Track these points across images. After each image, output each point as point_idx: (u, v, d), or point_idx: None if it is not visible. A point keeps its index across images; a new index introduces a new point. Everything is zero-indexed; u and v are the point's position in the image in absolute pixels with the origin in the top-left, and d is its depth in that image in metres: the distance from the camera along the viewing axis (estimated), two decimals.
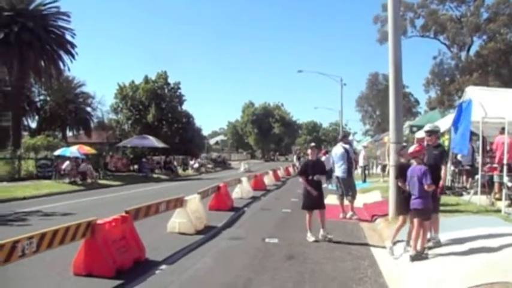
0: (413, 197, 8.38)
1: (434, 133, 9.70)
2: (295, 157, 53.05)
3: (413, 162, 8.67)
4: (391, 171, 13.32)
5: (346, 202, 14.58)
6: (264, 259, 8.87)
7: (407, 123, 31.74)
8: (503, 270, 6.98)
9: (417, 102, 76.00)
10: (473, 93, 15.50)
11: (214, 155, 76.14)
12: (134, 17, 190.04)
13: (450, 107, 50.25)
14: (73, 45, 35.64)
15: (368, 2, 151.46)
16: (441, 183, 9.05)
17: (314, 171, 10.83)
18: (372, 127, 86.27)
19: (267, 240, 10.68)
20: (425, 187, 8.08)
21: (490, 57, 49.66)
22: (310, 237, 10.65)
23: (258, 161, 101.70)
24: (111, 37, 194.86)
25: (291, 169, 43.19)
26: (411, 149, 8.77)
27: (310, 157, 11.34)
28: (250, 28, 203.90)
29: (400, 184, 9.13)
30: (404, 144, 12.78)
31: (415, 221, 8.33)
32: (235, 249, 9.89)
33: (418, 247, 8.22)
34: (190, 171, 47.96)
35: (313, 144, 13.46)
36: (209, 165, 56.81)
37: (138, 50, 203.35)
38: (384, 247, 9.80)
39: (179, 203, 11.36)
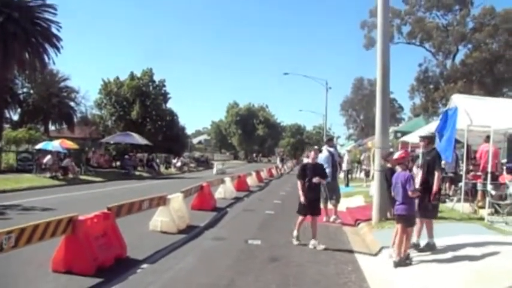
0: (397, 202, 8.36)
1: (427, 138, 9.84)
2: (278, 159, 53.09)
3: (398, 168, 8.66)
4: (376, 176, 13.29)
5: (329, 206, 14.53)
6: (247, 260, 8.77)
7: (391, 129, 31.90)
8: (489, 279, 6.97)
9: (401, 108, 76.48)
10: (459, 101, 15.50)
11: (197, 154, 75.84)
12: (121, 13, 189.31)
13: (434, 114, 50.65)
14: (58, 39, 35.13)
15: (355, 7, 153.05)
16: (434, 188, 9.02)
17: (314, 175, 10.55)
18: (355, 131, 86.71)
19: (249, 241, 10.57)
20: (409, 193, 8.06)
21: (474, 66, 50.10)
22: (295, 241, 10.49)
23: (241, 161, 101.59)
24: (97, 32, 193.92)
25: (274, 171, 43.08)
26: (396, 155, 8.75)
27: (310, 160, 11.06)
28: (237, 28, 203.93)
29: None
30: (391, 150, 12.74)
31: (399, 226, 8.31)
32: (217, 250, 9.77)
33: (401, 253, 8.18)
34: (172, 170, 47.67)
35: (316, 147, 13.49)
36: (192, 165, 56.51)
37: (124, 46, 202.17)
38: (368, 253, 9.79)
39: (162, 201, 11.22)
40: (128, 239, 8.74)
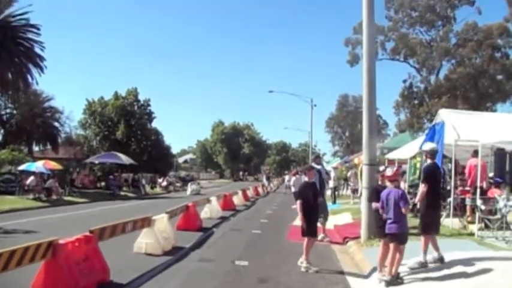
0: (389, 221, 8.16)
1: (428, 152, 9.70)
2: (264, 177, 52.89)
3: (389, 184, 8.47)
4: (364, 193, 13.13)
5: (317, 224, 14.32)
6: (234, 283, 8.55)
7: (377, 145, 31.86)
8: None
9: (386, 124, 76.68)
10: (446, 116, 15.45)
11: (183, 173, 75.49)
12: (105, 31, 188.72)
13: (420, 130, 50.76)
14: (42, 58, 34.87)
15: (339, 24, 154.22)
16: (416, 199, 9.13)
17: (314, 194, 10.23)
18: (340, 148, 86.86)
19: (237, 262, 10.31)
20: (403, 210, 7.91)
21: (458, 81, 50.43)
22: (309, 268, 9.71)
23: (227, 180, 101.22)
24: (81, 51, 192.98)
25: (260, 189, 42.87)
26: (389, 172, 8.57)
27: (307, 179, 10.66)
28: (221, 47, 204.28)
29: (373, 207, 8.93)
30: (383, 167, 12.52)
31: (392, 245, 8.12)
32: (203, 272, 9.49)
33: (393, 272, 8.00)
34: (158, 190, 47.35)
35: (313, 164, 13.40)
36: (178, 184, 56.16)
37: (108, 66, 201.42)
38: (358, 273, 9.59)
39: (146, 222, 10.93)
40: (111, 262, 8.43)
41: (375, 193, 9.32)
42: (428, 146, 9.97)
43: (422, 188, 9.06)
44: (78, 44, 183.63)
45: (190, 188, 43.63)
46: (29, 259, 6.54)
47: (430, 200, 9.01)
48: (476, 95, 49.87)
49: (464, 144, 14.54)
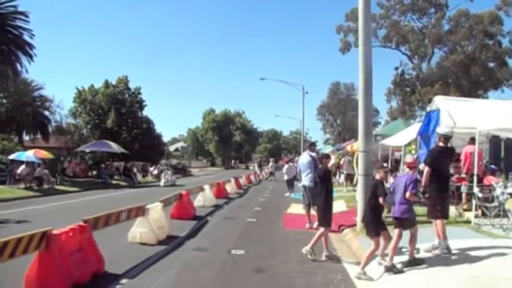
0: (396, 204, 8.15)
1: (442, 136, 9.44)
2: (256, 165, 52.66)
3: (407, 171, 8.56)
4: (360, 180, 13.01)
5: (312, 212, 14.21)
6: (231, 272, 8.40)
7: None
8: (488, 286, 6.71)
9: (377, 111, 76.59)
10: (441, 103, 15.34)
11: (174, 161, 75.12)
12: (95, 20, 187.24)
13: (411, 117, 50.83)
14: (31, 46, 34.31)
15: (331, 11, 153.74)
16: (422, 182, 8.86)
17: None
18: (332, 136, 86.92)
19: (232, 251, 10.20)
20: (407, 195, 7.86)
21: (450, 69, 50.36)
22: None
23: (218, 168, 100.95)
24: (71, 39, 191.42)
25: (252, 177, 42.72)
26: (409, 159, 8.53)
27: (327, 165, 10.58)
28: (213, 34, 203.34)
29: (381, 201, 8.70)
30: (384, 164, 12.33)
31: (396, 230, 8.10)
32: (199, 261, 9.33)
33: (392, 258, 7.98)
34: (150, 178, 47.09)
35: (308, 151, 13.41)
36: (169, 172, 55.94)
37: (98, 54, 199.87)
38: (356, 261, 9.48)
39: (141, 211, 10.76)
40: (105, 252, 8.29)
41: (379, 188, 9.24)
42: (443, 129, 9.71)
43: (425, 169, 8.88)
44: (67, 33, 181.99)
45: (164, 178, 38.32)
46: (22, 250, 6.36)
47: (440, 184, 8.87)
48: (468, 83, 49.88)
49: (458, 132, 14.38)
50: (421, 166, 11.42)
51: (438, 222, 8.87)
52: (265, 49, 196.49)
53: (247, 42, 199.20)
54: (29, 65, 34.49)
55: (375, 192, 8.24)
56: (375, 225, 8.30)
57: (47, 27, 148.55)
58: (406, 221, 8.08)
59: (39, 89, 45.58)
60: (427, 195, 8.95)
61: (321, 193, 10.29)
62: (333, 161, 10.91)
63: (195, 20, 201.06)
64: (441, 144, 9.33)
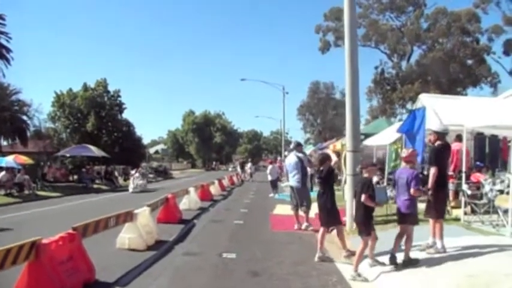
0: (401, 199, 8.12)
1: (438, 134, 9.24)
2: (238, 166, 52.38)
3: (404, 165, 8.53)
4: (348, 180, 12.93)
5: (300, 213, 14.11)
6: (225, 277, 8.24)
7: None
8: (485, 284, 6.64)
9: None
10: (427, 101, 15.39)
11: (154, 164, 74.63)
12: (73, 24, 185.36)
13: (392, 115, 51.05)
14: (8, 50, 33.89)
15: (310, 11, 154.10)
16: (428, 185, 8.65)
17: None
18: (312, 135, 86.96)
19: (223, 255, 10.02)
20: (411, 191, 7.81)
21: (429, 67, 50.66)
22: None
23: (199, 170, 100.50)
24: (50, 43, 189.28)
25: (235, 178, 42.57)
26: (404, 154, 8.42)
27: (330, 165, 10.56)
28: (191, 36, 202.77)
29: (364, 201, 8.58)
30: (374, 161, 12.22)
31: (401, 226, 8.18)
32: (191, 267, 9.14)
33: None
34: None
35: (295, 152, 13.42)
36: (150, 175, 55.52)
37: (76, 57, 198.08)
38: (348, 263, 9.39)
39: (129, 217, 10.52)
40: (94, 260, 8.04)
41: (366, 186, 9.19)
42: (438, 125, 9.57)
43: (432, 170, 8.72)
44: (45, 36, 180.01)
45: (133, 183, 32.98)
46: (11, 261, 6.13)
47: (441, 183, 8.79)
48: (448, 80, 50.20)
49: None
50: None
51: (437, 221, 8.78)
52: (245, 50, 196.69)
53: (226, 44, 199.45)
54: (5, 68, 34.03)
55: (362, 190, 8.15)
56: (367, 224, 8.23)
57: (25, 30, 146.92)
58: (410, 216, 8.06)
59: (16, 93, 44.80)
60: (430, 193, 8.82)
61: (324, 193, 10.18)
62: (334, 159, 10.80)
63: (173, 23, 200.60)
64: (439, 142, 9.20)
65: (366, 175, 8.55)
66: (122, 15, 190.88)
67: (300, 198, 13.90)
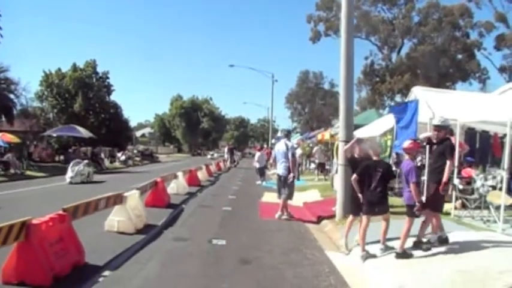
0: (404, 190, 8.24)
1: (441, 128, 9.04)
2: (226, 151, 51.97)
3: (406, 156, 8.56)
4: (340, 170, 12.86)
5: (278, 200, 14.00)
6: (217, 264, 8.12)
7: (338, 123, 31.83)
8: (480, 279, 6.62)
9: None
10: (420, 93, 15.32)
11: (141, 147, 74.28)
12: (64, 3, 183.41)
13: (381, 107, 51.14)
14: None
15: (302, 0, 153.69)
16: (444, 178, 8.50)
17: None
18: (299, 124, 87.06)
19: (214, 241, 9.91)
20: (411, 185, 7.81)
21: (419, 60, 50.75)
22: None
23: (186, 154, 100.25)
24: (39, 22, 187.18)
25: (221, 164, 42.42)
26: (405, 145, 8.37)
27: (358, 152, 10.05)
28: (181, 20, 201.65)
29: (353, 183, 8.66)
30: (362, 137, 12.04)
31: (407, 218, 8.15)
32: (181, 252, 9.02)
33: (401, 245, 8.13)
34: (117, 164, 46.34)
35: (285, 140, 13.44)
36: (137, 158, 55.25)
37: (66, 36, 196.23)
38: (338, 252, 9.37)
39: (119, 199, 10.38)
40: (83, 242, 7.86)
41: (353, 165, 9.24)
42: (439, 119, 9.24)
43: (449, 166, 8.59)
44: (36, 15, 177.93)
45: (72, 171, 24.13)
46: (1, 242, 5.98)
47: (442, 176, 8.66)
48: (437, 74, 50.34)
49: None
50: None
51: (435, 215, 8.74)
52: (235, 36, 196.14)
53: (217, 29, 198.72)
54: None
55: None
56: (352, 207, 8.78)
57: (15, 8, 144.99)
58: (408, 207, 8.08)
59: (4, 71, 44.28)
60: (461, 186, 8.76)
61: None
62: (341, 148, 10.45)
63: (164, 7, 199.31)
64: (447, 136, 9.11)
65: (356, 155, 8.81)
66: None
67: (284, 186, 13.74)
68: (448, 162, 8.56)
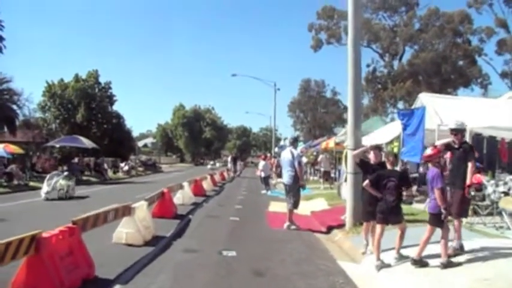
0: (429, 198, 8.08)
1: (459, 131, 8.90)
2: (229, 160, 51.86)
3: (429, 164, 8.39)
4: (349, 178, 12.69)
5: (284, 209, 13.86)
6: (228, 276, 7.97)
7: (343, 131, 31.74)
8: None
9: (346, 109, 76.63)
10: (427, 100, 15.29)
11: (143, 157, 74.15)
12: (67, 14, 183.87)
13: (383, 114, 51.04)
14: (1, 38, 33.27)
15: (303, 8, 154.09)
16: (467, 182, 8.43)
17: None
18: (301, 133, 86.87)
19: (224, 253, 9.74)
20: (435, 191, 7.60)
21: (421, 67, 50.70)
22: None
23: (188, 164, 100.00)
24: (41, 32, 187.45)
25: (226, 174, 42.27)
26: (426, 153, 8.26)
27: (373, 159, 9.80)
28: (183, 29, 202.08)
29: (367, 188, 8.61)
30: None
31: (428, 226, 7.95)
32: (192, 264, 8.86)
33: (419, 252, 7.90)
34: (120, 174, 46.24)
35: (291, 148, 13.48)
36: (140, 168, 55.15)
37: (68, 47, 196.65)
38: (352, 262, 9.22)
39: (127, 211, 10.24)
40: (91, 254, 7.73)
41: (363, 167, 9.19)
42: (455, 122, 9.04)
43: (471, 168, 8.50)
44: (39, 25, 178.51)
45: (48, 185, 20.91)
46: (10, 256, 5.84)
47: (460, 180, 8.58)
48: (439, 81, 50.28)
49: (443, 129, 14.25)
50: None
51: (459, 220, 8.66)
52: (237, 45, 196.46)
53: (219, 38, 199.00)
54: None
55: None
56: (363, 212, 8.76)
57: (18, 19, 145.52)
58: (432, 216, 7.87)
59: (7, 81, 44.30)
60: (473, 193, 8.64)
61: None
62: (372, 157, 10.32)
63: (166, 16, 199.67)
64: (457, 139, 8.96)
65: (389, 167, 8.64)
66: (115, 7, 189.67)
67: (289, 195, 13.59)
68: (469, 165, 8.45)
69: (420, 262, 7.77)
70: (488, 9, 49.67)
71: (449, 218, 8.09)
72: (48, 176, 21.68)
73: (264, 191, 26.47)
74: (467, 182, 8.41)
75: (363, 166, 10.05)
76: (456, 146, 8.89)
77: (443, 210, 7.58)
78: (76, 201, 20.43)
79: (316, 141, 43.68)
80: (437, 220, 7.71)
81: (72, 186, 22.26)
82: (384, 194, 8.20)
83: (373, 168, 9.65)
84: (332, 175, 28.71)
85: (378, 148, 10.62)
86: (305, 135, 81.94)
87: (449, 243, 8.35)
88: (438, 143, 9.82)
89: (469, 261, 7.90)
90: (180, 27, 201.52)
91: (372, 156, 9.85)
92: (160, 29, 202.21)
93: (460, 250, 8.44)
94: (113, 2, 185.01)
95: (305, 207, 16.54)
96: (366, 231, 9.70)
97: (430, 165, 8.25)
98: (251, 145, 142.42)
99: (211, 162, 73.62)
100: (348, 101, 13.13)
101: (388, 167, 8.55)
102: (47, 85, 49.78)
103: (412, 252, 8.12)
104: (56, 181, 21.05)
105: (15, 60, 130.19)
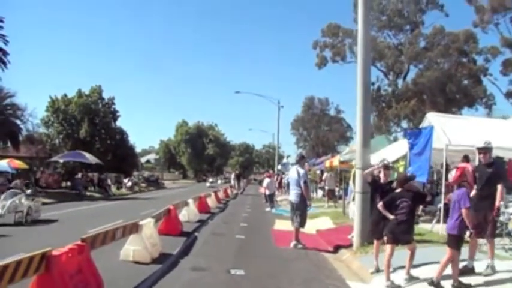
0: (450, 220, 7.87)
1: (488, 150, 8.86)
2: (232, 177, 51.84)
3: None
4: (357, 198, 12.61)
5: (291, 228, 13.75)
6: None
7: (347, 149, 31.71)
8: None
9: (349, 127, 76.80)
10: (435, 120, 15.21)
11: (146, 173, 74.16)
12: (71, 29, 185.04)
13: (387, 133, 50.92)
14: (5, 53, 33.38)
15: (307, 26, 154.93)
16: (496, 203, 8.37)
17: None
18: (304, 150, 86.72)
19: (232, 271, 9.64)
20: (463, 211, 7.45)
21: (426, 86, 50.71)
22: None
23: (191, 181, 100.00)
24: (45, 47, 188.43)
25: (229, 191, 42.14)
26: (452, 177, 8.15)
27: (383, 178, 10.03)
28: (187, 45, 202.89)
29: (380, 209, 8.57)
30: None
31: (448, 248, 7.78)
32: (200, 283, 8.79)
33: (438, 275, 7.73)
34: (124, 190, 46.19)
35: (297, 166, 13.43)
36: (143, 184, 55.11)
37: (72, 63, 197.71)
38: (361, 282, 9.13)
39: (135, 228, 10.18)
40: (99, 272, 7.65)
41: (374, 185, 9.15)
42: (484, 141, 9.01)
43: (500, 188, 8.44)
44: (43, 41, 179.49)
45: (2, 207, 16.78)
46: (21, 275, 5.76)
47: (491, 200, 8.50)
48: (444, 100, 50.24)
49: (451, 149, 14.20)
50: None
51: (491, 240, 8.66)
52: (241, 63, 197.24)
53: (222, 55, 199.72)
54: (1, 72, 33.55)
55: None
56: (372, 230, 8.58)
57: (22, 33, 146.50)
58: (450, 237, 7.80)
59: (11, 96, 44.40)
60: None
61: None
62: (382, 175, 10.32)
63: (169, 33, 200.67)
64: (484, 159, 8.91)
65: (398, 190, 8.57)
66: (117, 24, 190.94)
67: (296, 213, 13.50)
68: (499, 187, 8.40)
69: (437, 285, 7.63)
70: (494, 28, 49.74)
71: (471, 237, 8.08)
72: (3, 196, 17.85)
73: (268, 209, 26.39)
74: (497, 203, 8.38)
75: (373, 184, 10.05)
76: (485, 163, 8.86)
77: (471, 230, 7.50)
78: (34, 228, 16.44)
79: (320, 160, 43.57)
80: (455, 241, 7.62)
81: (37, 207, 18.93)
82: (396, 214, 8.15)
83: (382, 187, 9.65)
84: (336, 193, 28.63)
85: (387, 167, 10.59)
86: (308, 152, 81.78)
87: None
88: (463, 165, 9.47)
89: (482, 283, 7.80)
90: (184, 44, 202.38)
91: (382, 175, 9.86)
92: (164, 46, 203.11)
93: (471, 271, 8.34)
94: (116, 18, 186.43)
95: (310, 226, 16.41)
96: (377, 250, 9.62)
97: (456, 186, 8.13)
98: (254, 162, 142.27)
99: (211, 180, 72.79)
100: (356, 120, 13.04)
101: (398, 190, 8.45)
102: (50, 100, 49.72)
103: (421, 273, 8.04)
104: (12, 201, 17.20)
105: (20, 75, 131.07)
